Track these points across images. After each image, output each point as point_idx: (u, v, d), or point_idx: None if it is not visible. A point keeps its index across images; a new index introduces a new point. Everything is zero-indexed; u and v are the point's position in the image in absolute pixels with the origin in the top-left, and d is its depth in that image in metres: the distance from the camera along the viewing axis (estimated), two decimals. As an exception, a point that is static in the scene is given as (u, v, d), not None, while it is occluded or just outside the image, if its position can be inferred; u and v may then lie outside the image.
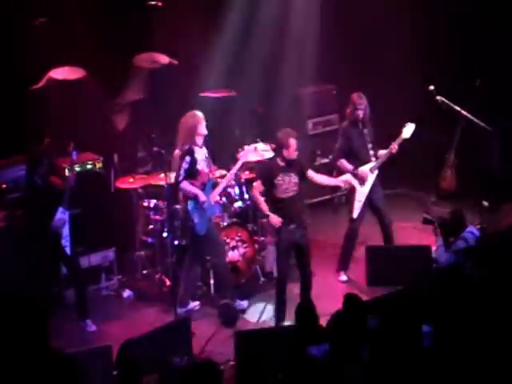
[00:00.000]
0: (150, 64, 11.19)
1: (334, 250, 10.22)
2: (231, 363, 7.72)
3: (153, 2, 11.20)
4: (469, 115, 11.05)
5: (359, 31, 12.30)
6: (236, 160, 9.58)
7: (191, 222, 9.04)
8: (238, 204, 10.01)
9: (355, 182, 9.63)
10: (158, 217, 9.85)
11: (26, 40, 10.29)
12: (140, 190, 10.00)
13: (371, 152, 9.76)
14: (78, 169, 9.48)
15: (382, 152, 9.77)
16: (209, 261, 9.40)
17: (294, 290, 9.10)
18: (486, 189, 11.21)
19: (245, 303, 9.40)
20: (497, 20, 11.74)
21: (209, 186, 9.18)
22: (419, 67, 12.28)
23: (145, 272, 10.11)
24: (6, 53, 10.11)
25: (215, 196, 9.24)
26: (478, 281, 7.13)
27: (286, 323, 8.73)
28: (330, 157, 10.63)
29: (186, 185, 9.01)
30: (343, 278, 9.96)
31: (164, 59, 11.18)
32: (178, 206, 9.60)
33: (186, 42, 11.27)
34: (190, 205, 9.04)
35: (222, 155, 10.24)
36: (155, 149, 10.21)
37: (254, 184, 8.94)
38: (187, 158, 8.99)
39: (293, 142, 8.65)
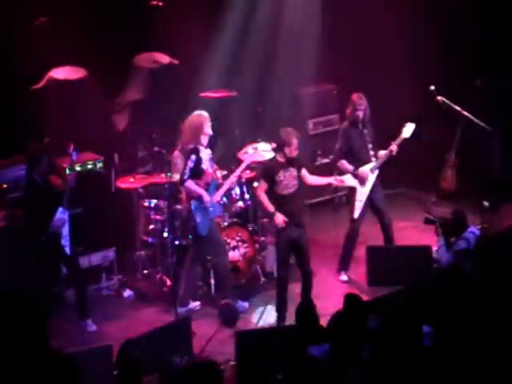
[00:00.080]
0: (151, 64, 11.20)
1: (334, 250, 10.21)
2: (231, 363, 7.72)
3: (154, 2, 11.21)
4: (469, 115, 11.05)
5: (359, 31, 12.28)
6: (237, 161, 9.57)
7: (194, 222, 9.03)
8: (239, 204, 10.00)
9: (354, 182, 9.65)
10: (158, 217, 9.84)
11: (26, 40, 10.29)
12: (140, 190, 10.00)
13: (371, 152, 9.77)
14: (78, 168, 9.48)
15: (382, 152, 9.77)
16: (209, 261, 9.40)
17: (294, 289, 9.11)
18: (486, 189, 11.21)
19: (245, 304, 9.40)
20: (497, 20, 11.73)
21: (212, 186, 9.18)
22: (419, 67, 12.27)
23: (145, 272, 10.10)
24: (6, 53, 10.10)
25: (218, 197, 9.25)
26: (478, 281, 7.13)
27: (287, 323, 8.74)
28: (331, 157, 10.64)
29: (190, 184, 9.01)
30: (344, 277, 9.96)
31: (164, 59, 11.19)
32: (178, 206, 9.60)
33: (186, 42, 11.26)
34: (193, 204, 9.04)
35: (223, 155, 10.24)
36: (156, 149, 10.23)
37: (258, 184, 8.95)
38: (193, 157, 8.99)
39: (295, 141, 8.74)
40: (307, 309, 6.74)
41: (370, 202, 9.80)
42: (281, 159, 8.81)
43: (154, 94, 11.20)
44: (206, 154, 9.14)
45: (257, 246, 9.98)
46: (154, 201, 9.90)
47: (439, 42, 12.28)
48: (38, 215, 8.66)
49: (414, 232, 10.56)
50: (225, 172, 9.68)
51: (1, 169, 9.62)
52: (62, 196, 8.69)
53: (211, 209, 9.09)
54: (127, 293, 9.86)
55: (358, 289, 9.30)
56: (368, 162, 9.74)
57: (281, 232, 8.80)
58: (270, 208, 8.79)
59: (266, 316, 9.23)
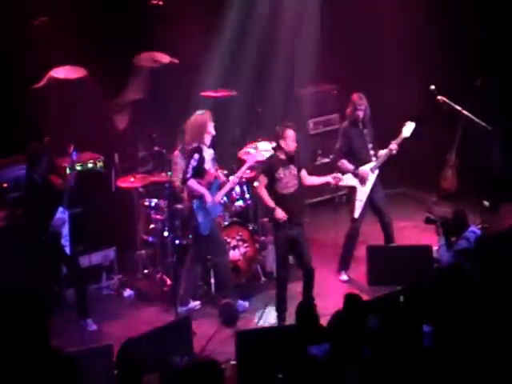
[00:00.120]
0: (151, 63, 11.20)
1: (334, 249, 10.21)
2: (232, 363, 7.72)
3: (154, 2, 11.21)
4: (470, 115, 11.05)
5: (359, 31, 12.29)
6: (238, 161, 9.56)
7: (195, 221, 9.03)
8: (239, 203, 10.00)
9: (354, 181, 9.66)
10: (158, 216, 9.85)
11: (26, 40, 10.29)
12: (141, 189, 10.00)
13: (371, 152, 9.77)
14: (78, 168, 9.48)
15: (383, 152, 9.78)
16: (209, 260, 9.40)
17: (294, 289, 9.11)
18: (486, 189, 11.21)
19: (246, 304, 9.40)
20: (497, 20, 11.73)
21: (214, 186, 9.18)
22: (419, 67, 12.27)
23: (145, 271, 10.10)
24: (6, 53, 10.10)
25: (220, 197, 9.25)
26: (478, 281, 7.12)
27: (287, 323, 8.74)
28: (331, 156, 10.64)
29: (193, 183, 9.01)
30: (344, 277, 9.96)
31: (164, 59, 11.19)
32: (179, 206, 9.61)
33: (186, 42, 11.26)
34: (195, 204, 9.03)
35: (223, 155, 10.24)
36: (156, 148, 10.23)
37: (258, 180, 8.94)
38: (196, 156, 8.99)
39: (290, 132, 8.75)
40: (307, 309, 6.74)
41: (370, 201, 9.81)
42: (281, 156, 8.83)
43: (154, 94, 11.20)
44: (208, 153, 9.14)
45: (257, 245, 9.98)
46: (155, 200, 9.90)
47: (439, 42, 12.29)
48: (38, 215, 8.66)
49: (414, 232, 10.56)
50: (225, 171, 9.68)
51: (1, 168, 9.62)
52: (62, 196, 8.69)
53: (212, 208, 9.08)
54: (127, 292, 9.86)
55: (358, 289, 9.30)
56: (368, 161, 9.74)
57: (279, 231, 8.82)
58: (271, 203, 8.79)
59: (266, 316, 9.23)
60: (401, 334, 5.55)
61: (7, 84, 10.12)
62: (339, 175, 9.26)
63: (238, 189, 9.97)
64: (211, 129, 9.09)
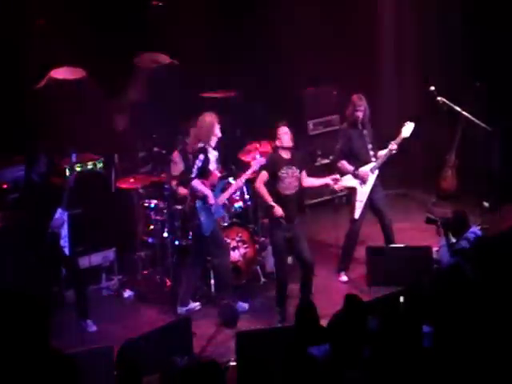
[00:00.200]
0: (151, 64, 11.19)
1: (334, 250, 10.21)
2: (232, 363, 7.71)
3: (154, 2, 11.21)
4: (469, 116, 11.05)
5: (359, 32, 12.29)
6: (241, 163, 9.56)
7: (198, 221, 9.02)
8: (239, 204, 10.00)
9: (354, 182, 9.66)
10: (158, 217, 9.85)
11: (26, 40, 10.29)
12: (141, 190, 10.00)
13: (371, 152, 9.77)
14: (78, 169, 9.48)
15: (382, 152, 9.78)
16: (210, 261, 9.40)
17: (294, 289, 9.10)
18: (486, 189, 11.21)
19: (245, 305, 9.40)
20: (497, 20, 11.73)
21: (218, 188, 9.18)
22: (419, 67, 12.27)
23: (145, 272, 10.10)
24: (6, 53, 10.11)
25: (223, 199, 9.25)
26: (478, 281, 7.12)
27: (287, 323, 8.73)
28: (331, 157, 10.64)
29: (197, 183, 9.00)
30: (343, 278, 9.96)
31: (165, 59, 11.19)
32: (179, 207, 9.61)
33: (186, 42, 11.26)
34: (198, 204, 9.03)
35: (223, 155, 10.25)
36: (156, 149, 10.23)
37: (259, 175, 8.93)
38: (201, 157, 8.99)
39: (283, 129, 8.81)
40: (307, 309, 6.74)
41: (370, 202, 9.81)
42: (284, 155, 8.84)
43: (154, 95, 11.20)
44: (213, 155, 9.14)
45: (257, 246, 9.98)
46: (154, 201, 9.90)
47: (439, 42, 12.29)
48: (37, 214, 8.66)
49: (414, 232, 10.55)
50: (224, 173, 9.69)
51: (1, 169, 9.62)
52: (62, 196, 8.69)
53: (215, 209, 9.08)
54: (127, 293, 9.86)
55: (358, 289, 9.28)
56: (368, 162, 9.74)
57: (276, 231, 8.88)
58: (269, 200, 8.80)
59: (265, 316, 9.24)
60: (401, 335, 5.55)
61: (7, 84, 10.12)
62: (338, 176, 9.27)
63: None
64: (218, 131, 9.10)
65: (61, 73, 10.58)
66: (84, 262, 9.58)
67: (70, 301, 9.19)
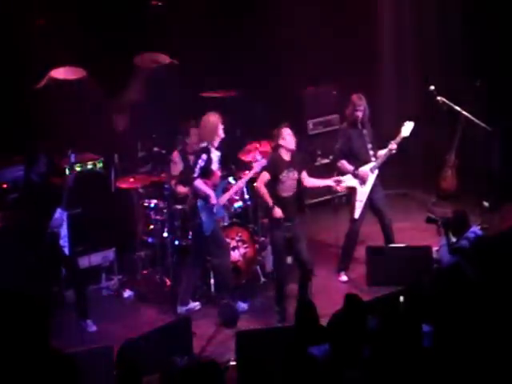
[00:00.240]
0: (151, 64, 11.19)
1: (334, 250, 10.21)
2: (232, 363, 7.72)
3: (154, 2, 11.21)
4: (469, 115, 11.05)
5: (359, 31, 12.29)
6: (241, 163, 9.55)
7: (199, 220, 9.02)
8: (239, 204, 10.00)
9: (354, 182, 9.66)
10: (158, 217, 9.84)
11: (26, 40, 10.28)
12: (141, 190, 10.00)
13: (371, 152, 9.77)
14: (78, 169, 9.48)
15: (382, 152, 9.78)
16: (209, 261, 9.39)
17: (294, 289, 9.10)
18: (486, 189, 11.21)
19: (245, 305, 9.39)
20: (497, 20, 11.73)
21: (220, 188, 9.18)
22: (419, 67, 12.27)
23: (145, 272, 10.10)
24: (6, 53, 10.10)
25: (224, 200, 9.25)
26: (478, 281, 7.12)
27: (287, 323, 8.73)
28: (331, 157, 10.64)
29: (199, 183, 9.00)
30: (343, 278, 9.96)
31: (165, 59, 11.18)
32: (178, 206, 9.61)
33: (186, 42, 11.26)
34: (200, 203, 9.02)
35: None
36: (156, 149, 10.23)
37: (259, 176, 8.92)
38: (204, 156, 8.99)
39: (287, 130, 8.79)
40: (307, 309, 6.74)
41: (370, 202, 9.80)
42: (284, 157, 8.85)
43: (154, 95, 11.20)
44: (215, 155, 9.14)
45: (257, 246, 9.98)
46: (154, 201, 9.90)
47: (439, 42, 12.29)
48: (37, 215, 8.66)
49: (414, 232, 10.54)
50: (224, 172, 9.69)
51: (1, 169, 9.62)
52: (61, 196, 8.69)
53: (217, 210, 9.08)
54: (127, 293, 9.86)
55: (358, 289, 9.29)
56: (368, 161, 9.74)
57: (275, 232, 8.89)
58: (269, 201, 8.80)
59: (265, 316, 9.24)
60: (400, 334, 5.55)
61: (7, 84, 10.12)
62: (340, 178, 9.28)
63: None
64: (221, 132, 9.10)
65: (61, 73, 10.58)
66: (84, 261, 9.58)
67: (70, 301, 9.19)
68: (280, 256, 9.00)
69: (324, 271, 9.93)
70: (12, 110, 10.14)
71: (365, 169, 9.72)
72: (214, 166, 9.11)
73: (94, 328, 8.96)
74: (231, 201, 9.90)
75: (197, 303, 9.43)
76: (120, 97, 11.25)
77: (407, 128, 9.75)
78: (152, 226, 9.92)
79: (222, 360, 7.64)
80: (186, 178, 9.43)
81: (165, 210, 9.75)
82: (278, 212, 8.76)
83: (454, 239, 8.68)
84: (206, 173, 9.02)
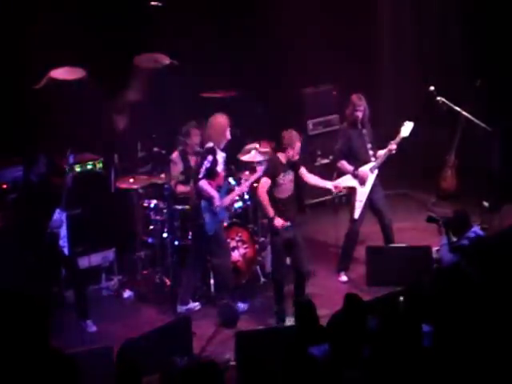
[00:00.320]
0: (151, 64, 11.18)
1: (334, 250, 10.21)
2: (231, 363, 7.71)
3: (153, 2, 11.20)
4: (469, 116, 11.05)
5: (359, 31, 12.30)
6: (241, 163, 9.54)
7: (201, 220, 9.02)
8: (239, 204, 10.00)
9: (354, 182, 9.67)
10: (158, 217, 9.84)
11: (26, 41, 10.28)
12: (140, 191, 10.00)
13: (371, 152, 9.78)
14: (78, 169, 9.48)
15: (382, 152, 9.78)
16: (209, 261, 9.39)
17: (293, 290, 9.10)
18: (486, 189, 11.21)
19: (245, 305, 9.39)
20: (497, 20, 11.74)
21: (224, 190, 9.18)
22: (419, 67, 12.27)
23: (145, 272, 10.09)
24: (6, 53, 10.10)
25: (228, 201, 9.24)
26: (478, 281, 7.12)
27: (287, 323, 8.73)
28: (331, 157, 10.65)
29: (204, 184, 8.98)
30: (343, 278, 9.95)
31: (165, 59, 11.17)
32: (178, 207, 9.61)
33: (186, 42, 11.26)
34: (203, 203, 9.02)
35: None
36: (156, 149, 10.22)
37: (261, 182, 8.91)
38: (209, 158, 8.98)
39: (298, 145, 8.83)
40: (307, 309, 6.74)
41: (370, 202, 9.80)
42: (282, 159, 8.84)
43: (154, 95, 11.20)
44: (221, 156, 9.13)
45: (256, 246, 9.98)
46: (154, 201, 9.90)
47: (439, 42, 12.30)
48: (36, 215, 8.66)
49: (414, 232, 10.55)
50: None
51: (1, 169, 9.62)
52: (61, 197, 8.69)
53: (220, 211, 9.08)
54: (127, 293, 9.85)
55: (358, 289, 9.27)
56: (367, 162, 9.74)
57: (274, 233, 8.87)
58: (270, 212, 8.80)
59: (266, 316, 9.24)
60: (400, 334, 5.55)
61: (7, 84, 10.12)
62: (340, 184, 9.29)
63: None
64: (228, 134, 9.10)
65: (61, 73, 10.56)
66: (84, 262, 9.57)
67: (70, 301, 9.18)
68: (279, 256, 9.00)
69: (324, 271, 9.93)
70: (12, 110, 10.13)
71: (364, 169, 9.72)
72: (219, 167, 9.11)
73: (93, 328, 8.96)
74: (232, 201, 9.90)
75: (197, 303, 9.43)
76: (120, 97, 11.23)
77: (407, 128, 9.75)
78: (152, 227, 9.91)
79: (221, 360, 7.64)
80: (186, 178, 9.42)
81: (165, 211, 9.74)
82: (278, 222, 8.75)
83: (454, 239, 8.69)
84: (210, 174, 9.02)
